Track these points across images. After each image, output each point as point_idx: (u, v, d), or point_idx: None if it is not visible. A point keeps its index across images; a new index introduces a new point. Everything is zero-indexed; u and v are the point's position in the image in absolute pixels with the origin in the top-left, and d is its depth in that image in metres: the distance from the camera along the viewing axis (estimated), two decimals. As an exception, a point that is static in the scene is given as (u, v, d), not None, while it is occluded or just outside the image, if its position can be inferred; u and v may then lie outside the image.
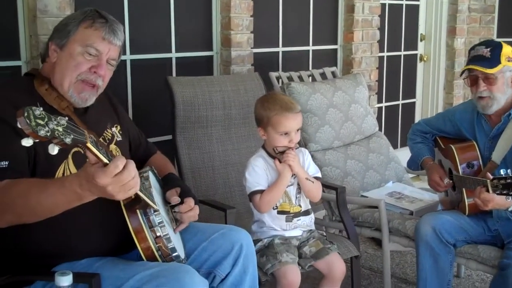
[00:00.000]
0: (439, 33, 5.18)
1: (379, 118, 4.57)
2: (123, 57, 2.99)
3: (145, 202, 1.67)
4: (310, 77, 3.61)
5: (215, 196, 2.89)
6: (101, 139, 1.92)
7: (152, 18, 3.20)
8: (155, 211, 1.73)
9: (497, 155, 2.54)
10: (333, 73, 3.70)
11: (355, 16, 4.20)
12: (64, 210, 1.58)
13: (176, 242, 1.82)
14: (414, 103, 5.28)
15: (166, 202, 1.96)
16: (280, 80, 3.44)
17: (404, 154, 3.39)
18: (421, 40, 5.20)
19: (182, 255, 1.84)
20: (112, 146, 1.98)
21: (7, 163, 1.65)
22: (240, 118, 3.07)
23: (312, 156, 3.12)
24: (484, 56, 2.49)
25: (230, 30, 3.39)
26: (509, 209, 2.41)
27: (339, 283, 2.36)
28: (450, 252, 2.55)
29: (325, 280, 2.36)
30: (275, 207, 2.35)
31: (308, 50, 4.09)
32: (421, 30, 5.18)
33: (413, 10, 5.06)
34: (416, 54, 5.19)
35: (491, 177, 2.29)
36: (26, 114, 1.21)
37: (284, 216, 2.37)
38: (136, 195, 1.59)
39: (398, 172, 3.49)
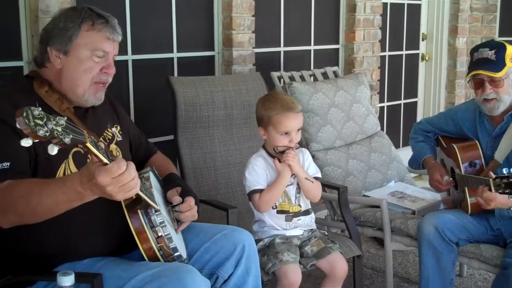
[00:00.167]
0: (441, 32, 5.18)
1: (381, 118, 4.56)
2: (124, 57, 3.03)
3: (146, 203, 1.67)
4: (312, 77, 3.61)
5: (217, 196, 2.89)
6: (101, 139, 1.93)
7: (153, 18, 3.20)
8: (156, 211, 1.73)
9: (500, 154, 2.54)
10: (334, 72, 3.70)
11: (356, 15, 4.19)
12: (65, 210, 1.58)
13: (177, 242, 1.82)
14: (416, 102, 5.27)
15: (167, 202, 1.96)
16: (282, 80, 3.43)
17: (406, 154, 3.38)
18: (423, 40, 5.19)
19: (184, 255, 1.84)
20: (113, 146, 1.98)
21: (9, 163, 1.66)
22: (242, 118, 3.07)
23: (314, 156, 3.12)
24: (489, 59, 2.48)
25: (231, 30, 3.39)
26: (512, 208, 2.41)
27: (341, 282, 2.37)
28: (453, 251, 2.55)
29: (327, 280, 2.36)
30: (274, 207, 2.35)
31: (310, 50, 4.08)
32: (423, 29, 5.17)
33: (415, 10, 5.05)
34: (418, 54, 5.18)
35: (494, 176, 2.28)
36: (24, 114, 1.21)
37: (284, 215, 2.37)
38: (137, 195, 1.60)
39: (400, 171, 3.49)
